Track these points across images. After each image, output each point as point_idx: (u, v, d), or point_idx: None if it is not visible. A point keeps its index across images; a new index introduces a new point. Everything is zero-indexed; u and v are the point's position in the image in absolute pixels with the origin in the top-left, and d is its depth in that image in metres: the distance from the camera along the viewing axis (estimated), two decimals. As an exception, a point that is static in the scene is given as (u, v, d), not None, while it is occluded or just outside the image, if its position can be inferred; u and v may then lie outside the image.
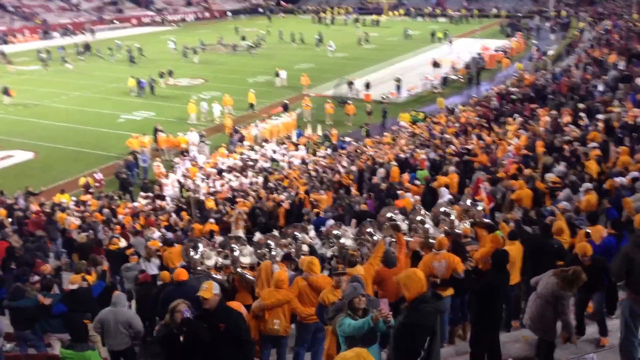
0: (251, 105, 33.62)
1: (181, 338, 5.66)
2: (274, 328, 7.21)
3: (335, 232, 9.86)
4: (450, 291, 7.77)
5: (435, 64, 40.92)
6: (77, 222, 16.40)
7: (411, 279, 5.01)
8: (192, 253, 9.37)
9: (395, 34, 60.95)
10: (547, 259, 7.63)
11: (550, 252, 7.86)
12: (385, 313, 4.54)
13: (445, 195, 13.04)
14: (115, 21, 71.34)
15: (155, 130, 27.11)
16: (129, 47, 48.53)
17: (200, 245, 9.63)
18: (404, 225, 9.46)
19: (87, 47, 52.18)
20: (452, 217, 9.45)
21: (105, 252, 12.86)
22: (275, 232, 11.32)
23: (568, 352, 6.83)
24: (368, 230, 9.27)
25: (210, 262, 9.16)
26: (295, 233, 10.13)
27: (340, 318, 4.96)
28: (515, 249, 7.88)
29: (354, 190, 16.88)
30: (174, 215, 17.40)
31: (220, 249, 9.75)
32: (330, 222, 12.33)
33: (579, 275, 6.29)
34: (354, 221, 12.66)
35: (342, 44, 52.80)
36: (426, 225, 9.20)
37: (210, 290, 5.76)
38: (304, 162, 23.96)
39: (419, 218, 9.47)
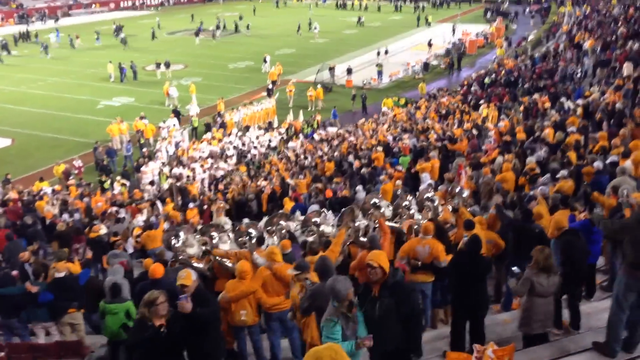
0: (273, 83, 33.79)
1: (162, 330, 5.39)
2: (242, 319, 7.21)
3: (314, 219, 9.85)
4: (429, 277, 7.84)
5: (430, 45, 42.27)
6: (55, 210, 16.18)
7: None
8: (173, 241, 9.29)
9: (377, 19, 60.82)
10: (528, 243, 7.69)
11: (531, 236, 7.92)
12: (367, 344, 4.66)
13: (427, 180, 13.09)
14: (93, 5, 70.11)
15: (178, 114, 27.46)
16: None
17: (182, 234, 9.56)
18: (387, 211, 9.49)
19: (119, 29, 51.79)
20: (436, 202, 9.51)
21: (86, 240, 12.75)
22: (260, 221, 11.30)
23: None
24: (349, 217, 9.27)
25: (192, 250, 9.09)
26: (281, 222, 10.10)
27: (332, 324, 4.94)
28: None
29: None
30: (158, 203, 17.26)
31: (199, 236, 9.70)
32: (314, 207, 12.33)
33: (547, 254, 6.41)
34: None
35: (324, 30, 52.60)
36: (411, 211, 9.24)
37: (189, 278, 5.67)
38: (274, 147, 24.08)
39: (404, 204, 9.50)
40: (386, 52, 40.90)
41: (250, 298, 7.21)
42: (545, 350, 6.65)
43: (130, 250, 12.34)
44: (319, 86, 32.14)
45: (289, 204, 14.03)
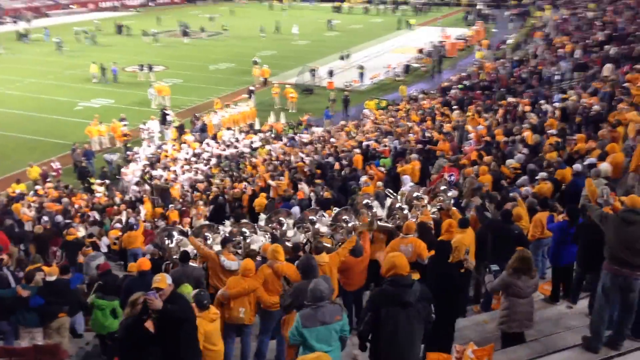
0: (265, 81, 34.69)
1: (148, 324, 5.49)
2: (240, 316, 7.16)
3: (310, 217, 9.84)
4: (416, 276, 7.85)
5: (421, 51, 42.65)
6: (32, 213, 15.98)
7: (386, 259, 5.31)
8: (167, 242, 9.23)
9: (358, 22, 61.01)
10: (508, 244, 7.75)
11: (510, 237, 7.98)
12: None
13: (407, 182, 13.14)
14: (72, 6, 69.32)
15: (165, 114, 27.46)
16: None
17: (175, 234, 9.50)
18: (380, 211, 9.53)
19: (120, 28, 52.11)
20: (425, 201, 9.59)
21: (63, 243, 12.58)
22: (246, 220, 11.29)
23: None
24: (344, 217, 9.30)
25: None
26: (281, 219, 10.10)
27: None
28: (466, 237, 7.97)
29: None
30: (139, 205, 17.15)
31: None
32: (296, 209, 12.33)
33: (523, 256, 6.46)
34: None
35: (304, 32, 52.60)
36: (405, 212, 9.29)
37: (164, 281, 5.66)
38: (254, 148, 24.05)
39: (398, 205, 9.54)
40: (348, 56, 41.59)
41: (250, 296, 7.19)
42: (524, 349, 6.71)
43: (104, 249, 12.33)
44: (286, 87, 32.32)
45: (262, 200, 14.13)
